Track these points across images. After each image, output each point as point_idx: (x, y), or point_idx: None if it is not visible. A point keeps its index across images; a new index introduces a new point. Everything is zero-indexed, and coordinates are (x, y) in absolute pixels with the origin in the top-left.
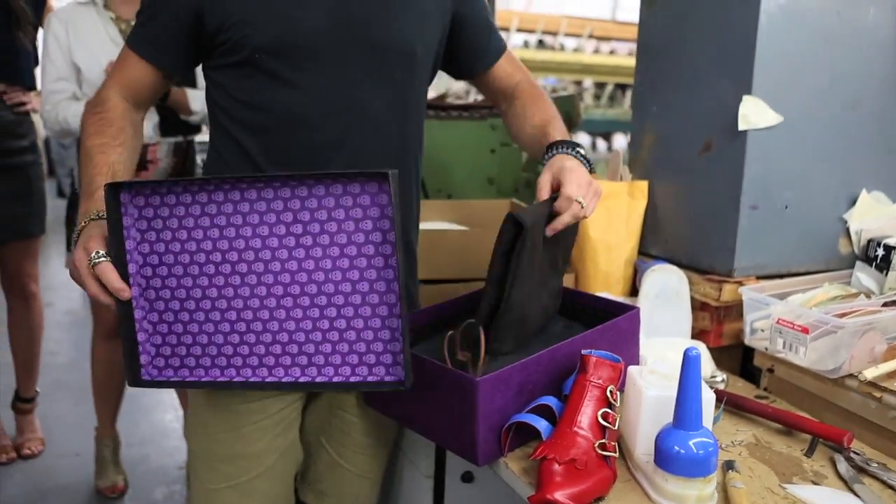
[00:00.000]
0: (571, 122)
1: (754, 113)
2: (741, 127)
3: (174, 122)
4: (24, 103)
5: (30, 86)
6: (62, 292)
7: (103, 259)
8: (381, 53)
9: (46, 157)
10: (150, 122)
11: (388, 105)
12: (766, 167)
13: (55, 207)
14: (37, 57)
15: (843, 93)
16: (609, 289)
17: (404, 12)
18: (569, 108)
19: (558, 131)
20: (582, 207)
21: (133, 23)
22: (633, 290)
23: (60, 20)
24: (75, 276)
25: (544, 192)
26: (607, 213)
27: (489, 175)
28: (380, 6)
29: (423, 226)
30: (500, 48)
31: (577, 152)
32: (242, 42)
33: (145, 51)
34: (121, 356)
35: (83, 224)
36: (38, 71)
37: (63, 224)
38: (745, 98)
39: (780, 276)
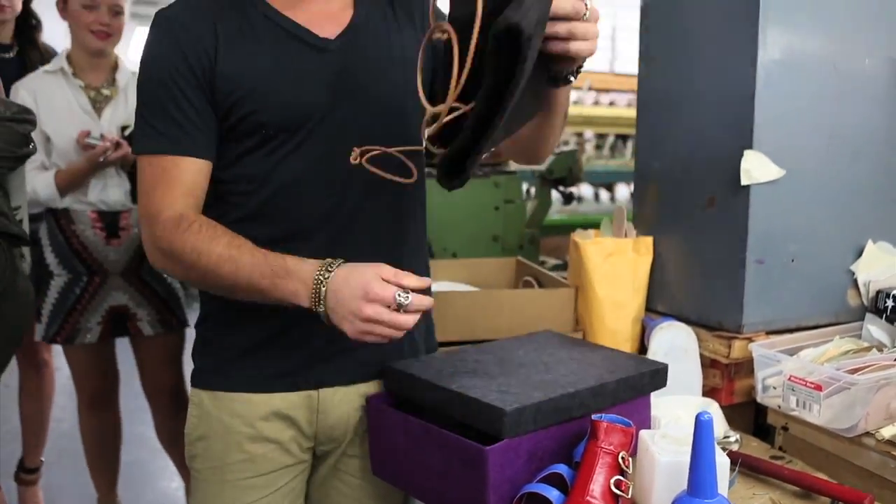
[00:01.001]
0: (574, 177)
1: (756, 167)
2: (744, 182)
3: None
4: None
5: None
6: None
7: (410, 299)
8: (381, 113)
9: None
10: (122, 188)
11: (396, 168)
12: (771, 221)
13: None
14: None
15: (844, 144)
16: (617, 347)
17: (396, 67)
18: (571, 164)
19: None
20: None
21: (102, 90)
22: (642, 348)
23: (28, 90)
24: (373, 329)
25: None
26: (613, 269)
27: (494, 232)
28: (371, 64)
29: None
30: None
31: None
32: (247, 118)
33: (176, 147)
34: (108, 423)
35: (321, 287)
36: None
37: None
38: (747, 153)
39: (790, 331)
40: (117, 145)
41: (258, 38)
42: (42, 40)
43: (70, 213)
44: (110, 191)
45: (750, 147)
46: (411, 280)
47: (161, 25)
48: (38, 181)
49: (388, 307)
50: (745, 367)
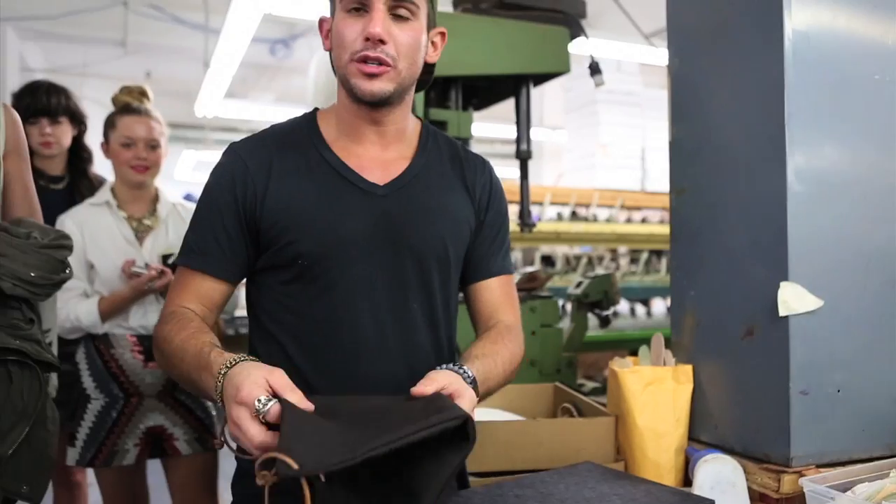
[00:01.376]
0: (610, 301)
1: (794, 298)
2: (782, 313)
3: None
4: None
5: None
6: None
7: (272, 406)
8: (418, 259)
9: None
10: (160, 313)
11: (424, 307)
12: (813, 351)
13: None
14: None
15: (882, 267)
16: (660, 479)
17: (439, 218)
18: (606, 287)
19: (475, 365)
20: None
21: (144, 220)
22: (686, 480)
23: (75, 221)
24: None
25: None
26: (653, 399)
27: (531, 357)
28: (416, 213)
29: None
30: (498, 269)
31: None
32: (286, 247)
33: (202, 265)
34: None
35: (219, 382)
36: None
37: None
38: (783, 284)
39: (843, 464)
40: (161, 273)
41: (310, 176)
42: (94, 171)
43: (110, 337)
44: (150, 316)
45: (786, 278)
46: (293, 394)
47: (227, 156)
48: (80, 308)
49: (252, 414)
50: (797, 502)
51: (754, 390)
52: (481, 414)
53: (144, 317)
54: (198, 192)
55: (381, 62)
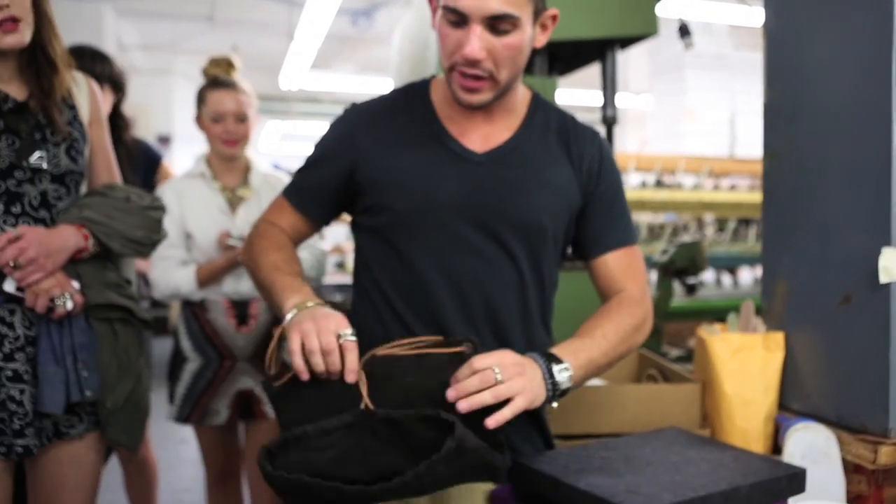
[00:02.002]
0: (697, 268)
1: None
2: (882, 280)
3: None
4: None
5: None
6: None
7: (353, 339)
8: (512, 227)
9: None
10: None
11: (512, 277)
12: None
13: None
14: None
15: None
16: (748, 447)
17: (536, 190)
18: (694, 254)
19: (572, 346)
20: (496, 381)
21: (237, 191)
22: (775, 448)
23: (174, 191)
24: (298, 346)
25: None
26: (742, 366)
27: None
28: (513, 183)
29: None
30: (615, 242)
31: (549, 368)
32: (381, 207)
33: (296, 200)
34: (232, 498)
35: (294, 312)
36: None
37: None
38: (885, 250)
39: None
40: None
41: (412, 140)
42: (131, 136)
43: (205, 303)
44: (243, 283)
45: (888, 243)
46: (355, 356)
47: (345, 113)
48: (179, 276)
49: (340, 335)
50: (895, 473)
51: (851, 359)
52: None
53: (237, 283)
54: (283, 163)
55: (478, 77)
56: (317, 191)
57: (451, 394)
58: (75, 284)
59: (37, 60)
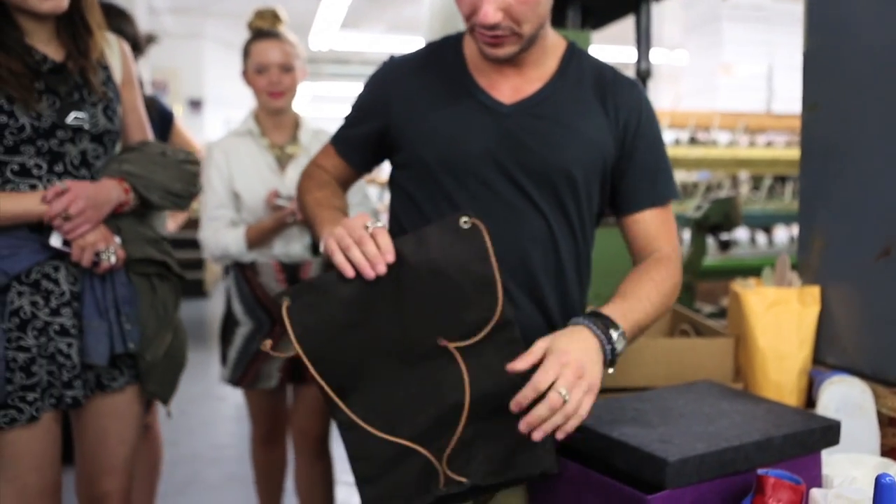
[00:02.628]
0: (731, 224)
1: None
2: None
3: None
4: None
5: None
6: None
7: (381, 224)
8: (540, 178)
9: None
10: (303, 242)
11: (541, 228)
12: None
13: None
14: None
15: None
16: (781, 400)
17: (566, 141)
18: (728, 209)
19: (621, 308)
20: (564, 401)
21: (286, 148)
22: (809, 402)
23: (222, 150)
24: (336, 246)
25: (527, 360)
26: (776, 320)
27: None
28: (541, 133)
29: None
30: (650, 200)
31: (606, 334)
32: (412, 159)
33: (340, 147)
34: (277, 458)
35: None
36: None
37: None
38: None
39: None
40: None
41: (442, 92)
42: (149, 96)
43: (256, 265)
44: (293, 245)
45: None
46: (387, 239)
47: (381, 66)
48: (229, 237)
49: (366, 227)
50: None
51: (888, 312)
52: None
53: (287, 245)
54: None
55: (499, 36)
56: (357, 141)
57: (522, 426)
58: (116, 239)
59: (74, 23)
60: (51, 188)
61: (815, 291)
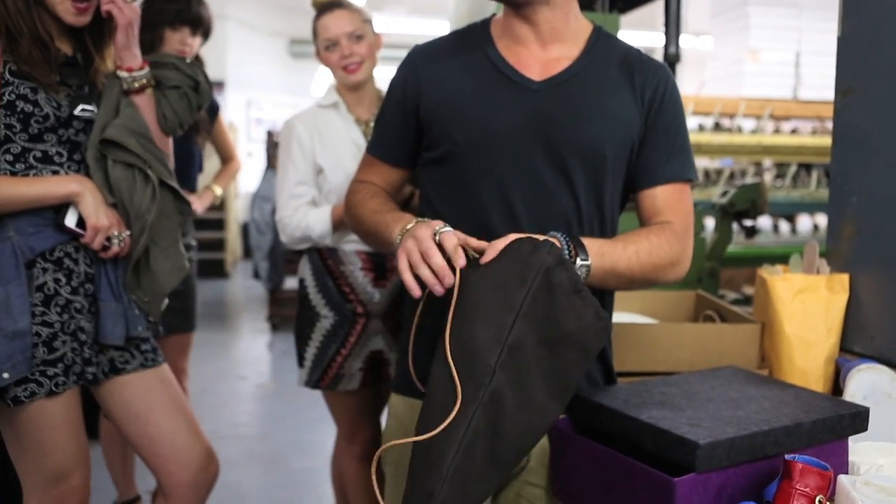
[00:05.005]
0: (758, 210)
1: None
2: None
3: None
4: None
5: (192, 189)
6: (255, 366)
7: (448, 230)
8: (570, 154)
9: (243, 243)
10: None
11: (571, 205)
12: None
13: (248, 287)
14: (201, 163)
15: None
16: (808, 387)
17: (596, 118)
18: (754, 196)
19: (601, 245)
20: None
21: (371, 123)
22: (836, 390)
23: (305, 124)
24: (405, 264)
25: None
26: (803, 307)
27: None
28: (571, 110)
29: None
30: (666, 176)
31: (570, 253)
32: (442, 138)
33: (378, 151)
34: (363, 459)
35: (399, 237)
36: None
37: (254, 301)
38: None
39: None
40: None
41: (472, 72)
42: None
43: (338, 252)
44: None
45: None
46: (454, 240)
47: (407, 56)
48: (311, 217)
49: (435, 233)
50: None
51: None
52: (621, 318)
53: None
54: None
55: None
56: (394, 136)
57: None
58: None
59: (101, 28)
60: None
61: (843, 279)
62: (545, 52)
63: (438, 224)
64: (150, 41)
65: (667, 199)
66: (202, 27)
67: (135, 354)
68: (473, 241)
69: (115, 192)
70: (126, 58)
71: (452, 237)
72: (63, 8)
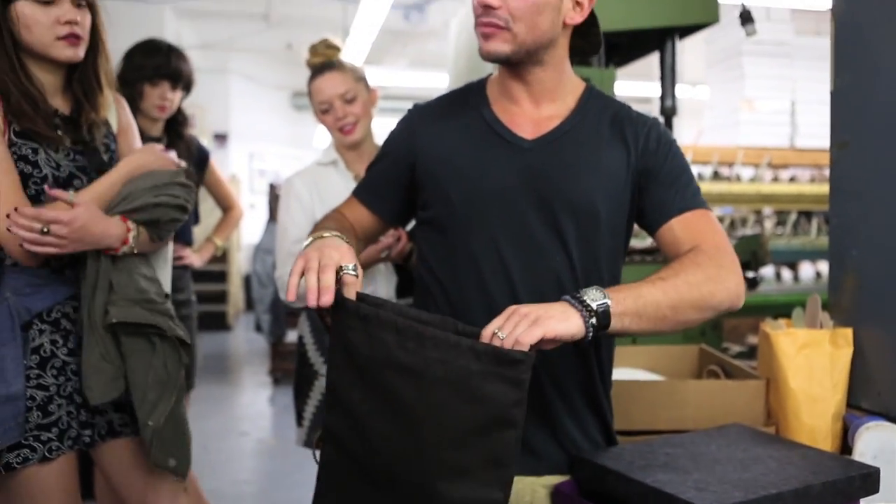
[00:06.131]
0: (759, 262)
1: None
2: None
3: (411, 281)
4: (182, 258)
5: (187, 241)
6: (256, 422)
7: (354, 274)
8: (562, 211)
9: (246, 295)
10: (390, 282)
11: (564, 264)
12: None
13: (250, 339)
14: (196, 214)
15: None
16: (815, 445)
17: (587, 174)
18: (755, 247)
19: (613, 287)
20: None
21: None
22: (844, 448)
23: (304, 181)
24: (299, 267)
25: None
26: (808, 362)
27: None
28: (562, 166)
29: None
30: (678, 207)
31: (580, 301)
32: (437, 197)
33: (362, 195)
34: None
35: (309, 241)
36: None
37: (256, 354)
38: None
39: None
40: (398, 239)
41: (467, 131)
42: (189, 133)
43: None
44: (379, 285)
45: None
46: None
47: (407, 113)
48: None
49: (342, 269)
50: None
51: None
52: (622, 374)
53: (373, 285)
54: None
55: (494, 25)
56: (382, 186)
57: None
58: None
59: (87, 79)
60: (64, 192)
61: (847, 333)
62: (538, 110)
63: (348, 260)
64: (129, 97)
65: (686, 226)
66: (182, 81)
67: (133, 417)
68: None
69: (128, 365)
70: (108, 244)
71: (354, 288)
72: (55, 48)
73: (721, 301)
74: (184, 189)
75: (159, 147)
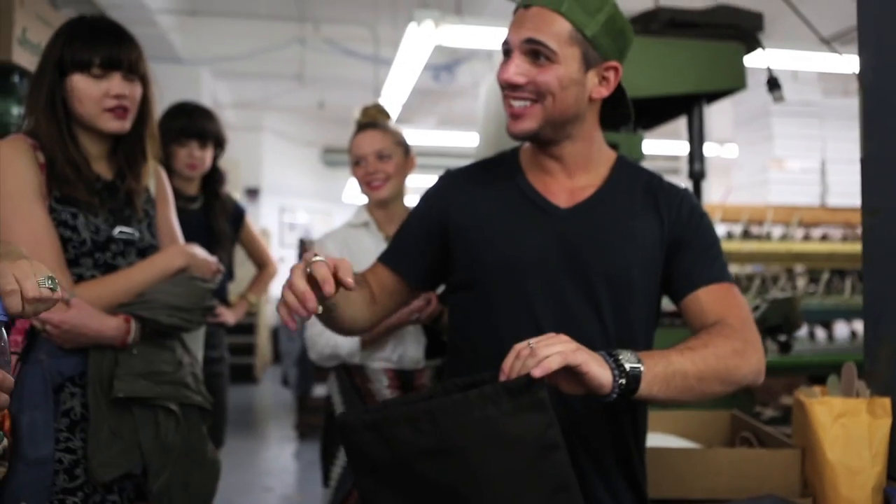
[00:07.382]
0: (792, 325)
1: None
2: None
3: (440, 344)
4: (217, 315)
5: (224, 299)
6: (281, 477)
7: (320, 259)
8: (596, 281)
9: (273, 348)
10: (420, 344)
11: (597, 331)
12: None
13: (276, 392)
14: (231, 271)
15: None
16: None
17: (622, 243)
18: (788, 311)
19: (645, 354)
20: (530, 349)
21: None
22: None
23: (335, 242)
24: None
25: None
26: (845, 432)
27: None
28: (596, 233)
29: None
30: (705, 279)
31: (614, 357)
32: (471, 264)
33: (389, 259)
34: None
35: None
36: (232, 285)
37: (282, 408)
38: None
39: None
40: (428, 302)
41: (501, 198)
42: (226, 192)
43: (365, 370)
44: (409, 347)
45: None
46: (325, 271)
47: (440, 178)
48: (339, 337)
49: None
50: None
51: None
52: (653, 440)
53: (402, 348)
54: None
55: (522, 99)
56: (410, 250)
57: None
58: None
59: (133, 149)
60: (64, 291)
61: (885, 402)
62: (571, 181)
63: (317, 257)
64: (162, 159)
65: (712, 299)
66: (209, 139)
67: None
68: (348, 278)
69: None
70: (106, 342)
71: (322, 266)
72: (101, 120)
73: (745, 376)
74: (203, 313)
75: (201, 250)
